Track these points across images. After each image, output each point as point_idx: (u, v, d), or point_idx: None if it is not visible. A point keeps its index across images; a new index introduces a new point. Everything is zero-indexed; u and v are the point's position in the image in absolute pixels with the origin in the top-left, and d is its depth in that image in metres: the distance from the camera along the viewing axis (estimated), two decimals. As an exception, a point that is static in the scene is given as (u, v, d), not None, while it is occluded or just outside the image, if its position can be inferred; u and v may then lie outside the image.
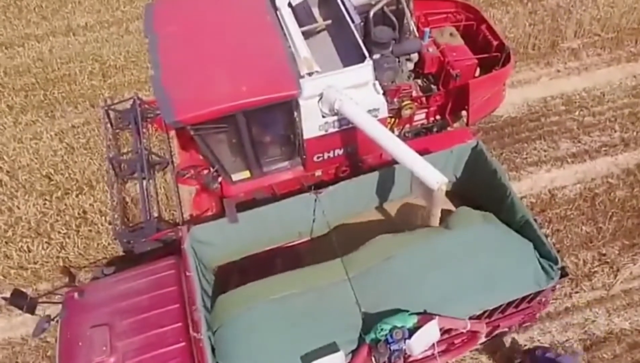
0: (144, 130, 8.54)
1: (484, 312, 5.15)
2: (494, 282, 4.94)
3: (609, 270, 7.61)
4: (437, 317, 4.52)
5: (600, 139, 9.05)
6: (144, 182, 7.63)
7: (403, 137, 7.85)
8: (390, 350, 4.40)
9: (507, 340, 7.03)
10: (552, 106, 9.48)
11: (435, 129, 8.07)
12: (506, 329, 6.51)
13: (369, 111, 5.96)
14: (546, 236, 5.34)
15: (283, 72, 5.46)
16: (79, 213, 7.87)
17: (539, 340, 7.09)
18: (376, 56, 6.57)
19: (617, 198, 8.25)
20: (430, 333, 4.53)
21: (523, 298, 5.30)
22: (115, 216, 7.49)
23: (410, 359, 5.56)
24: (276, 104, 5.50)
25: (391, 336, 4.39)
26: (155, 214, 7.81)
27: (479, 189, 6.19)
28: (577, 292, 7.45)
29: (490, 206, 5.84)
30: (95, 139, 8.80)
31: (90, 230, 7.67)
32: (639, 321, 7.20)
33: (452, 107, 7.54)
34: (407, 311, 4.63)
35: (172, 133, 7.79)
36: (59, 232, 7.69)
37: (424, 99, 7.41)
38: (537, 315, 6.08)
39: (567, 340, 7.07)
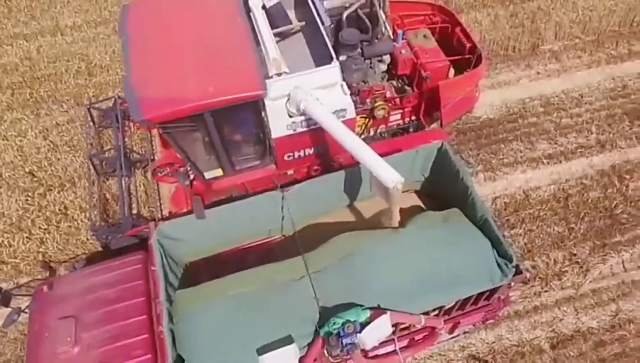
0: (127, 128, 8.76)
1: (441, 308, 5.30)
2: (448, 278, 5.07)
3: (579, 270, 7.72)
4: (388, 312, 4.66)
5: (576, 141, 9.16)
6: (124, 180, 7.84)
7: (379, 137, 8.02)
8: (342, 343, 4.54)
9: (475, 338, 7.17)
10: (531, 108, 9.59)
11: (411, 130, 8.20)
12: (471, 326, 6.67)
13: (336, 112, 6.10)
14: (509, 235, 5.47)
15: (249, 73, 5.59)
16: (59, 210, 8.04)
17: (507, 338, 7.23)
18: (343, 58, 6.69)
19: (590, 199, 8.37)
20: (381, 328, 4.67)
21: (480, 295, 5.44)
22: (95, 213, 7.69)
23: (372, 355, 5.71)
24: (242, 103, 5.63)
25: (343, 330, 4.54)
26: (135, 211, 8.02)
27: (445, 188, 6.34)
28: (546, 291, 7.57)
29: (456, 205, 5.99)
30: (78, 136, 8.96)
31: (70, 226, 7.83)
32: (606, 320, 7.32)
33: (425, 108, 7.65)
34: (362, 306, 4.78)
35: (154, 131, 7.97)
36: (40, 228, 7.86)
37: (397, 99, 7.53)
38: (500, 313, 6.18)
39: (535, 338, 7.20)
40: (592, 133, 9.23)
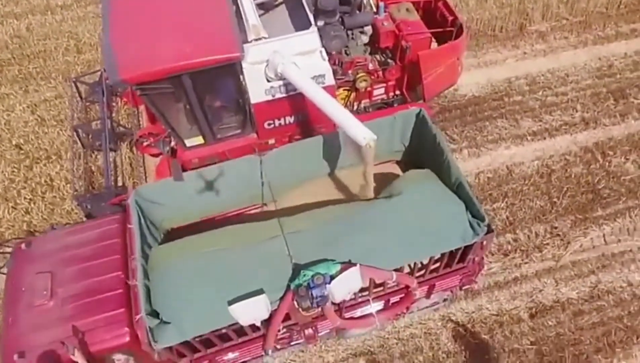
0: (114, 104, 8.84)
1: (414, 267, 5.36)
2: (420, 236, 5.12)
3: (560, 243, 7.78)
4: (358, 264, 4.71)
5: (561, 118, 9.20)
6: (109, 152, 7.91)
7: (363, 111, 8.08)
8: (311, 295, 4.60)
9: (455, 307, 7.23)
10: (516, 86, 9.63)
11: (396, 104, 8.25)
12: (449, 292, 6.72)
13: (315, 77, 6.18)
14: (491, 208, 5.46)
15: (226, 36, 5.66)
16: (45, 181, 8.14)
17: (487, 308, 7.29)
18: (321, 23, 6.75)
19: (572, 174, 8.42)
20: (351, 280, 4.72)
21: (453, 257, 5.51)
22: (80, 183, 7.76)
23: (348, 316, 5.78)
24: (220, 66, 5.69)
25: (313, 281, 4.60)
26: (120, 184, 8.10)
27: (424, 155, 6.36)
28: (526, 263, 7.63)
29: (432, 170, 6.04)
30: (66, 111, 9.03)
31: (55, 197, 7.92)
32: (585, 291, 7.38)
33: (408, 81, 7.72)
34: (334, 260, 4.84)
35: (142, 107, 8.03)
36: (25, 198, 7.97)
37: (380, 72, 7.58)
38: (476, 278, 6.23)
39: (514, 308, 7.26)
40: (577, 111, 9.27)
